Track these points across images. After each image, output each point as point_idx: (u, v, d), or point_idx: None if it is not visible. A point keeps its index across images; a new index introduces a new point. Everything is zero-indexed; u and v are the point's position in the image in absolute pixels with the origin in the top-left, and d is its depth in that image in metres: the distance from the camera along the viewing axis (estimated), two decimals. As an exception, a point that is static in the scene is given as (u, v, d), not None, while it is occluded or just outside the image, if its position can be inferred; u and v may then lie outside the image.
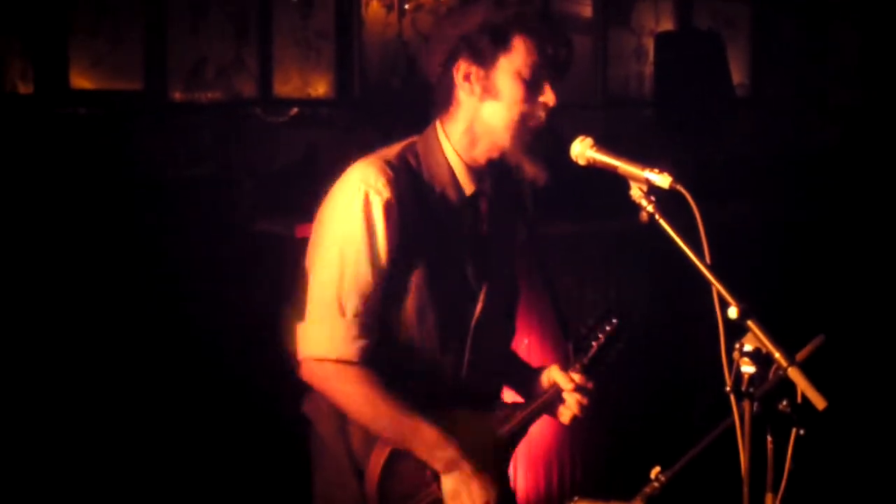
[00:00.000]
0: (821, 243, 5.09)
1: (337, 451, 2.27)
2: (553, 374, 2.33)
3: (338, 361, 2.15)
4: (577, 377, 2.30)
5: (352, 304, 2.14)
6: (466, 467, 2.17)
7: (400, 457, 2.20)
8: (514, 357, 2.51)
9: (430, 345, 2.22)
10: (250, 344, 3.87)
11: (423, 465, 2.20)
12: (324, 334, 2.16)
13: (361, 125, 5.04)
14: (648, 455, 2.14)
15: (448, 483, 2.18)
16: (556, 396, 2.31)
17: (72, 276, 3.93)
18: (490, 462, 2.22)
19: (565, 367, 2.32)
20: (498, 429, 2.28)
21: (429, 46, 2.26)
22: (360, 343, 2.15)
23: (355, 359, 2.15)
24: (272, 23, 5.07)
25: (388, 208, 2.13)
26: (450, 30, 2.19)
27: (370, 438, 2.22)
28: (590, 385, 2.31)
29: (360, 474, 2.24)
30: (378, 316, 2.17)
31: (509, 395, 2.45)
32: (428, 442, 2.18)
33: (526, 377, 2.42)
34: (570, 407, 2.31)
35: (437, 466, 2.19)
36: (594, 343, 2.31)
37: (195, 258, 4.12)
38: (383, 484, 2.19)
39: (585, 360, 2.30)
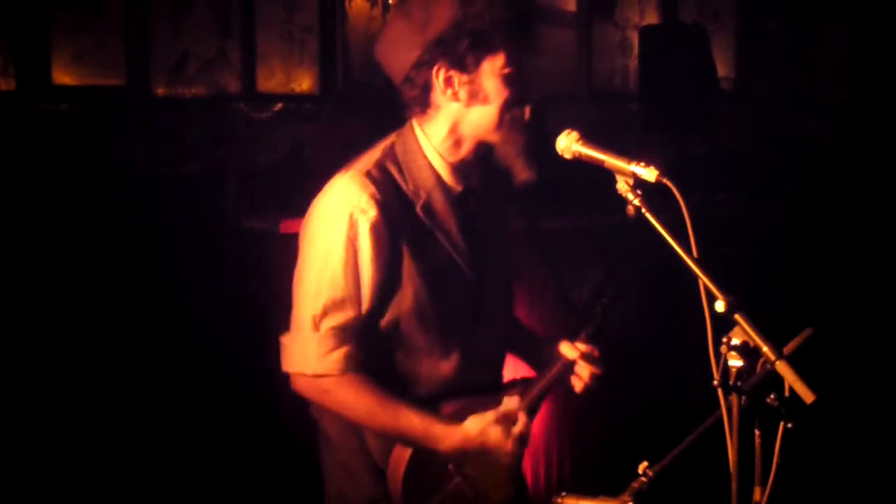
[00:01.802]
0: (808, 237, 5.09)
1: (348, 450, 2.26)
2: (561, 348, 2.34)
3: (326, 379, 2.14)
4: (583, 347, 2.32)
5: (328, 319, 2.12)
6: (476, 453, 2.19)
7: (423, 452, 2.19)
8: (519, 328, 2.52)
9: (435, 347, 2.22)
10: (237, 338, 3.86)
11: (446, 458, 2.21)
12: (300, 350, 2.15)
13: (346, 120, 5.02)
14: (636, 450, 2.13)
15: (467, 474, 2.20)
16: (565, 369, 2.33)
17: (54, 273, 3.91)
18: (506, 443, 2.23)
19: (571, 340, 2.34)
20: (513, 408, 2.28)
21: (391, 48, 2.15)
22: (346, 358, 2.13)
23: (343, 374, 2.14)
24: (255, 17, 5.06)
25: (374, 228, 2.10)
26: (418, 33, 2.10)
27: (388, 437, 2.22)
28: (596, 353, 2.33)
29: (377, 472, 2.23)
30: (366, 329, 2.16)
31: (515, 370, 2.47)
32: (432, 435, 2.17)
33: (533, 346, 2.44)
34: (580, 377, 2.32)
35: (447, 458, 2.20)
36: (597, 311, 2.36)
37: (179, 254, 4.11)
38: (408, 480, 2.19)
39: (590, 330, 2.34)
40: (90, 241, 4.02)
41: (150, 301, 4.02)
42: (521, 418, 2.24)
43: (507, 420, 2.23)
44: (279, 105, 5.13)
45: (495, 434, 2.20)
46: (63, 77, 4.55)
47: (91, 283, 3.96)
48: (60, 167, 4.15)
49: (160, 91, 4.82)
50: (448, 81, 2.11)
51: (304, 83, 5.29)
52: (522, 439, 2.25)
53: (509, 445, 2.21)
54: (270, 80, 5.16)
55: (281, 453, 3.68)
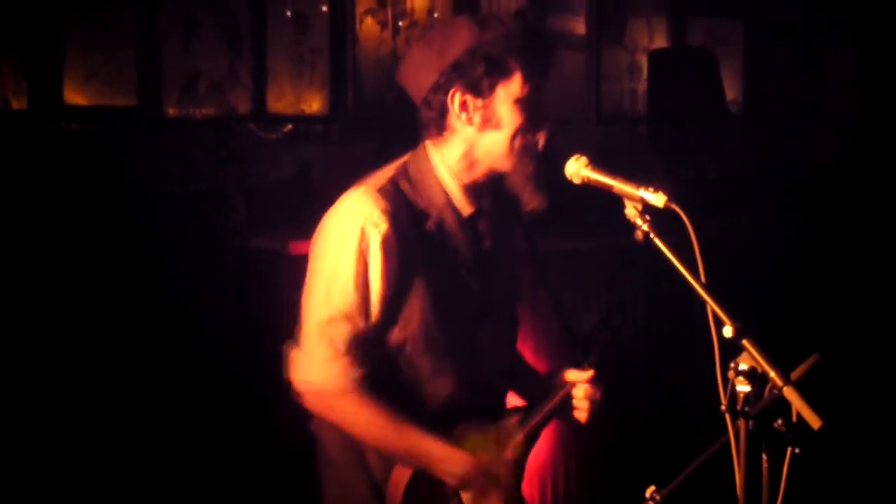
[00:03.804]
0: (816, 259, 5.09)
1: (348, 467, 2.27)
2: (567, 375, 2.33)
3: (331, 390, 2.15)
4: (586, 374, 2.31)
5: (341, 334, 2.12)
6: (479, 478, 2.19)
7: (424, 473, 2.19)
8: (520, 363, 2.52)
9: (440, 367, 2.22)
10: (243, 358, 3.86)
11: (443, 481, 2.21)
12: (314, 364, 2.15)
13: (355, 141, 5.04)
14: (643, 472, 2.13)
15: (467, 498, 2.20)
16: (567, 396, 2.32)
17: (64, 291, 3.92)
18: (508, 469, 2.24)
19: (575, 368, 2.33)
20: (512, 434, 2.28)
21: (410, 72, 2.20)
22: (352, 371, 2.13)
23: (348, 386, 2.14)
24: (266, 38, 5.08)
25: (385, 241, 2.11)
26: (436, 57, 2.14)
27: (388, 457, 2.22)
28: (599, 380, 2.32)
29: (376, 490, 2.23)
30: (373, 344, 2.16)
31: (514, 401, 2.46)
32: (436, 457, 2.18)
33: (535, 382, 2.43)
34: (582, 406, 2.32)
35: (450, 481, 2.20)
36: (600, 338, 2.35)
37: (189, 274, 4.11)
38: (407, 500, 2.19)
39: (593, 359, 2.33)
40: (99, 259, 4.03)
41: (157, 319, 4.03)
42: (517, 443, 2.24)
43: (506, 444, 2.23)
44: (289, 126, 5.15)
45: (503, 464, 2.21)
46: (75, 97, 4.57)
47: (99, 300, 3.97)
48: (71, 186, 4.17)
49: (171, 111, 4.84)
50: (463, 105, 2.13)
51: (314, 104, 5.31)
52: (519, 464, 2.25)
53: (508, 470, 2.22)
54: (280, 101, 5.18)
55: (283, 470, 3.68)
